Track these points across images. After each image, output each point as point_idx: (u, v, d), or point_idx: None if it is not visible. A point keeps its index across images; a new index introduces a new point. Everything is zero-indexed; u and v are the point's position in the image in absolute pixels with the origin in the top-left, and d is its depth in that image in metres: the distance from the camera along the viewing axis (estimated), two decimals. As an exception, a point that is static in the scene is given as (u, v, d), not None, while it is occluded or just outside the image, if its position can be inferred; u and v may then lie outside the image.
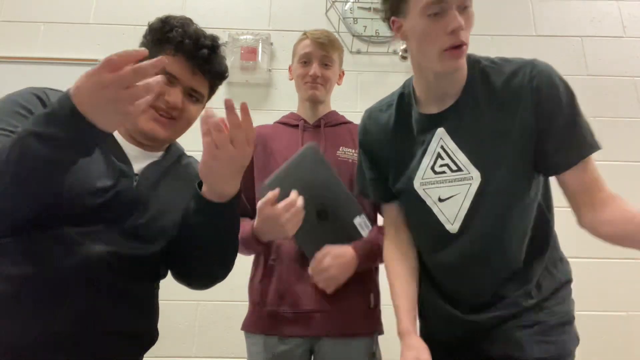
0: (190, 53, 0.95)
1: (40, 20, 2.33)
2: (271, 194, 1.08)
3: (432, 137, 0.99)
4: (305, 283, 1.20)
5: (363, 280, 1.24)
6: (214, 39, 0.99)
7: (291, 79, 1.47)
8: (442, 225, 0.99)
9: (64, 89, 0.98)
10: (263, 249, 1.25)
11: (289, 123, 1.41)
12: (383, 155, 1.08)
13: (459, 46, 0.89)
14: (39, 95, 0.88)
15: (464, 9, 0.89)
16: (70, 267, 0.79)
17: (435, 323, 1.06)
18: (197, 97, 0.99)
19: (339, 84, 1.47)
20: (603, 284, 1.97)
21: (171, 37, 0.94)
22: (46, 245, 0.79)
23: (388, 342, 1.25)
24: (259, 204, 1.10)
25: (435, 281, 1.05)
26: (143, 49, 0.69)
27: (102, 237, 0.84)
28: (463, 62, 0.94)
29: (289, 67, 1.48)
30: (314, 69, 1.36)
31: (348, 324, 1.20)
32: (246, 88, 2.25)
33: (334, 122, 1.41)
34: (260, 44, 2.27)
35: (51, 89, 0.93)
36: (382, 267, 1.32)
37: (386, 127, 1.08)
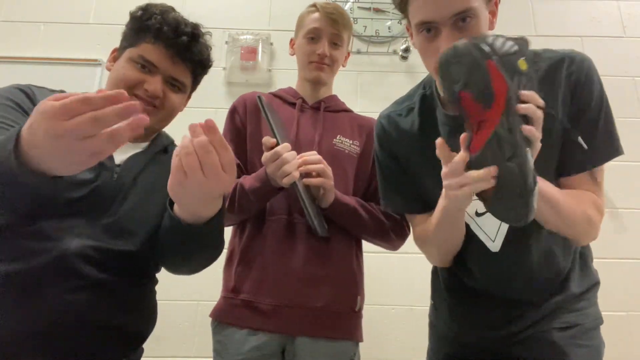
0: (169, 40, 0.93)
1: (40, 20, 2.32)
2: (269, 142, 1.06)
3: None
4: (289, 273, 1.11)
5: (351, 280, 1.19)
6: (195, 27, 0.98)
7: (292, 54, 1.34)
8: (482, 243, 0.92)
9: (64, 89, 0.98)
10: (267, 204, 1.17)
11: (286, 99, 1.31)
12: (409, 162, 1.01)
13: None
14: (25, 90, 0.88)
15: (463, 20, 0.82)
16: (46, 263, 0.78)
17: (464, 324, 1.01)
18: (178, 86, 0.98)
19: (344, 66, 1.36)
20: (603, 284, 1.96)
21: (150, 25, 0.93)
22: (23, 241, 0.78)
23: (368, 348, 1.23)
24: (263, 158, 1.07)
25: (467, 284, 1.00)
26: (119, 91, 0.57)
27: (80, 231, 0.82)
28: None
29: (291, 40, 1.36)
30: (323, 47, 1.23)
31: (330, 324, 1.12)
32: (246, 88, 2.24)
33: (335, 107, 1.32)
34: (260, 44, 2.27)
35: (36, 86, 0.92)
36: (368, 269, 1.30)
37: (410, 133, 0.99)
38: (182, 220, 0.78)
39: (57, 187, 0.78)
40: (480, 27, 0.83)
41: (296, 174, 1.03)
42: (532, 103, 0.70)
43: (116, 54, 0.99)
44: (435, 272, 1.12)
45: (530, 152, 0.70)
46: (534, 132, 0.69)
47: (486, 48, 0.70)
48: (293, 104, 1.30)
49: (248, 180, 1.14)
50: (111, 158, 0.91)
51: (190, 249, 0.86)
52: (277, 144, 1.04)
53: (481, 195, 0.75)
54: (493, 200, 0.74)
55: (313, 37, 1.26)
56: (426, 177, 0.97)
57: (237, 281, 1.16)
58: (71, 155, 0.58)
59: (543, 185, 0.77)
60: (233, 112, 1.30)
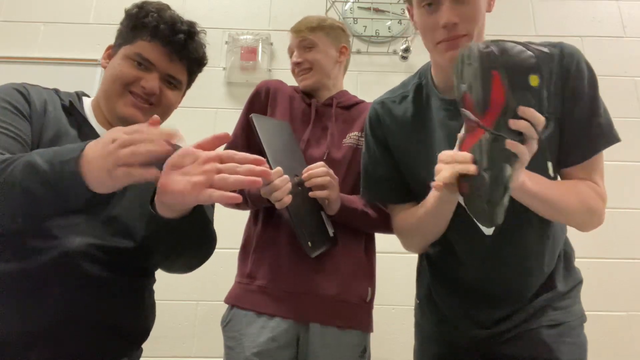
0: (166, 38, 0.94)
1: (40, 20, 2.33)
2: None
3: (460, 126, 0.91)
4: (302, 260, 1.13)
5: (363, 272, 1.21)
6: (191, 25, 0.98)
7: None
8: (476, 226, 0.91)
9: (64, 89, 0.98)
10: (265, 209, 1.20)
11: (304, 99, 1.34)
12: (400, 149, 1.01)
13: (454, 38, 0.86)
14: (20, 90, 0.88)
15: None
16: (48, 262, 0.78)
17: (454, 324, 1.01)
18: (175, 84, 0.99)
19: (339, 61, 1.38)
20: (603, 284, 1.97)
21: (147, 23, 0.94)
22: (25, 240, 0.78)
23: (379, 341, 1.24)
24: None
25: (456, 277, 1.00)
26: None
27: (82, 229, 0.83)
28: None
29: None
30: (294, 57, 1.34)
31: (342, 313, 1.14)
32: (246, 88, 2.24)
33: (347, 102, 1.35)
34: (260, 44, 2.27)
35: (30, 84, 0.92)
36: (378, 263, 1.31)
37: (403, 120, 1.00)
38: (162, 216, 0.76)
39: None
40: (479, 4, 0.86)
41: (287, 200, 1.03)
42: (529, 120, 0.70)
43: (111, 52, 0.99)
44: (421, 270, 1.12)
45: (511, 167, 0.71)
46: (519, 147, 0.70)
47: (498, 57, 0.70)
48: (309, 104, 1.34)
49: None
50: None
51: (173, 244, 0.85)
52: (270, 168, 1.03)
53: (460, 192, 0.78)
54: (466, 200, 0.77)
55: (291, 54, 1.37)
56: (417, 164, 0.98)
57: (253, 268, 1.18)
58: (105, 173, 0.66)
59: (531, 183, 0.78)
60: (254, 97, 1.33)
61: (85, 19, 2.34)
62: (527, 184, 0.77)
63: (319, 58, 1.32)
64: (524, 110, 0.70)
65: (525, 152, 0.71)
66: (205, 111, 2.16)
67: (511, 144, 0.70)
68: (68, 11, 2.35)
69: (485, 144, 0.71)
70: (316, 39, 1.33)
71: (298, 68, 1.33)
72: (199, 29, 1.01)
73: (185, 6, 2.35)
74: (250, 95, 1.34)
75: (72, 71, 2.22)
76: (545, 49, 0.73)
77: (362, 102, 1.37)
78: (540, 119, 0.70)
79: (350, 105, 1.35)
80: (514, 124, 0.70)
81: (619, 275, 2.00)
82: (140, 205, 0.89)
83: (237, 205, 1.20)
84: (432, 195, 0.90)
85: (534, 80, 0.71)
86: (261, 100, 1.31)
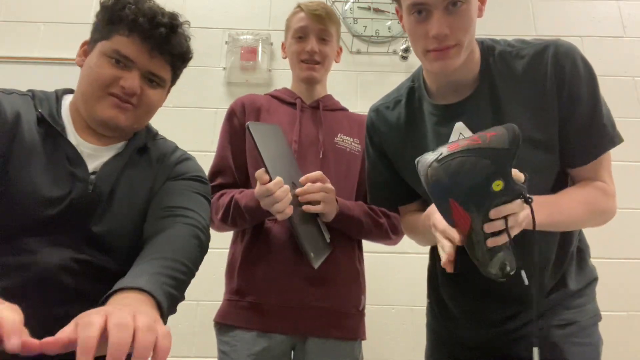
0: (145, 33, 0.86)
1: (40, 20, 2.32)
2: (262, 178, 1.00)
3: (449, 132, 0.91)
4: (295, 273, 1.11)
5: (355, 280, 1.19)
6: (172, 17, 0.90)
7: (284, 57, 1.35)
8: None
9: (64, 89, 0.96)
10: (253, 227, 1.17)
11: (285, 99, 1.31)
12: (397, 155, 1.02)
13: (444, 48, 0.84)
14: None
15: (454, 4, 0.82)
16: (31, 278, 0.75)
17: (464, 324, 1.01)
18: (157, 82, 0.91)
19: (337, 62, 1.36)
20: (603, 284, 1.96)
21: (123, 16, 0.85)
22: (4, 257, 0.75)
23: (367, 348, 1.23)
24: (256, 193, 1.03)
25: (468, 278, 0.98)
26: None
27: (62, 244, 0.79)
28: (452, 62, 0.86)
29: (282, 44, 1.37)
30: (311, 44, 1.24)
31: (338, 324, 1.13)
32: (246, 88, 2.24)
33: (332, 106, 1.33)
34: (260, 44, 2.27)
35: (5, 92, 0.86)
36: (368, 269, 1.31)
37: (397, 125, 1.00)
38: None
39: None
40: (470, 14, 0.84)
41: (288, 211, 1.00)
42: (504, 215, 0.70)
43: (87, 48, 0.92)
44: (432, 270, 1.12)
45: (504, 251, 0.72)
46: (503, 239, 0.71)
47: (450, 185, 0.68)
48: (292, 104, 1.30)
49: (244, 198, 1.13)
50: (84, 167, 0.85)
51: None
52: (270, 179, 1.00)
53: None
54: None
55: (301, 36, 1.27)
56: (413, 168, 0.97)
57: (241, 283, 1.15)
58: None
59: (535, 214, 0.78)
60: (231, 114, 1.30)
61: (85, 19, 2.34)
62: (536, 214, 0.76)
63: (331, 54, 1.29)
64: (497, 214, 0.69)
65: (509, 238, 0.71)
66: (205, 111, 2.16)
67: (493, 242, 0.71)
68: (68, 11, 2.35)
69: (470, 251, 0.73)
70: (333, 32, 1.28)
71: (309, 57, 1.26)
72: (181, 20, 0.93)
73: (185, 6, 2.35)
74: (226, 113, 1.30)
75: (72, 71, 2.19)
76: (498, 138, 0.68)
77: (346, 109, 1.36)
78: (514, 207, 0.70)
79: (334, 109, 1.32)
80: (489, 227, 0.70)
81: (619, 275, 2.00)
82: (121, 224, 0.86)
83: (235, 225, 1.18)
84: (427, 220, 0.90)
85: (497, 186, 0.67)
86: (238, 117, 1.27)
